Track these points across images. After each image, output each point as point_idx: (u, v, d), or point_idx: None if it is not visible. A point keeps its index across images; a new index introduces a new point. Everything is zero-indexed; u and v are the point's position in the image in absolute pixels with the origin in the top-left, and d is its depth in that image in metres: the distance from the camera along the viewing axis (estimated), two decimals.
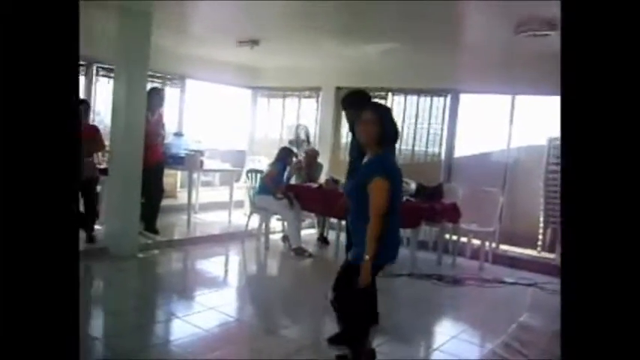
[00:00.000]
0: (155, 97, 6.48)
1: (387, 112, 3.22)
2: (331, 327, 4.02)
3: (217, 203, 8.65)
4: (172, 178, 8.46)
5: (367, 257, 2.90)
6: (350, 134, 4.78)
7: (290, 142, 8.66)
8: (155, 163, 6.41)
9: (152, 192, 6.46)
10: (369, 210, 2.91)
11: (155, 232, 6.53)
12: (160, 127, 6.58)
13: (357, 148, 3.89)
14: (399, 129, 3.30)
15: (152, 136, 6.28)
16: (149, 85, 6.39)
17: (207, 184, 9.63)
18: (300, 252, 6.57)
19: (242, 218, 7.70)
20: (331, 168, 8.38)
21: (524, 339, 4.20)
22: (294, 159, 7.25)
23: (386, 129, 3.04)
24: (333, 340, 3.67)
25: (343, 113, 4.35)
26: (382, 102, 8.08)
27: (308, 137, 8.81)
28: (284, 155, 7.01)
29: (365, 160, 3.15)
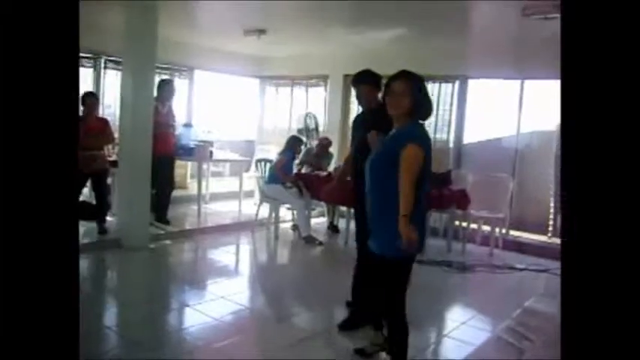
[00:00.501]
0: (165, 89, 6.54)
1: (419, 82, 2.86)
2: (341, 314, 4.07)
3: (227, 193, 8.71)
4: (182, 169, 8.51)
5: (403, 215, 2.60)
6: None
7: (299, 130, 8.67)
8: (166, 154, 6.48)
9: (163, 183, 6.53)
10: (400, 177, 2.65)
11: (166, 222, 6.59)
12: (170, 119, 6.64)
13: (361, 126, 3.82)
14: (431, 101, 2.94)
15: (163, 127, 6.35)
16: (157, 77, 6.42)
17: (217, 174, 9.67)
18: (310, 240, 6.60)
19: (252, 208, 7.74)
20: (340, 157, 8.37)
21: (531, 324, 4.20)
22: (302, 147, 7.27)
23: (419, 100, 2.77)
24: (343, 326, 3.69)
25: (353, 92, 4.21)
26: None
27: (317, 125, 8.82)
28: (292, 144, 7.03)
29: (393, 131, 2.86)
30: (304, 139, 7.89)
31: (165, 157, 6.42)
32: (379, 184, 2.80)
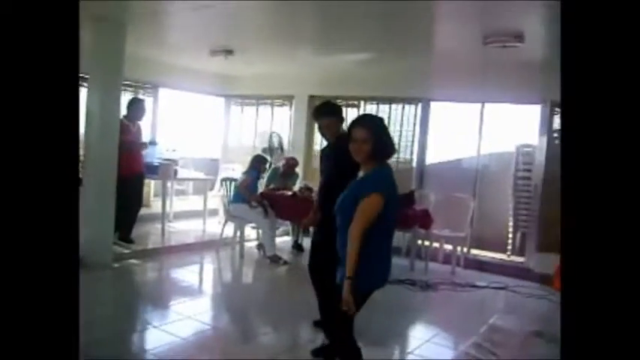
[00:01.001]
0: (136, 107, 6.52)
1: (378, 126, 2.93)
2: (307, 332, 4.11)
3: (191, 212, 8.66)
4: (146, 187, 8.40)
5: (347, 277, 2.66)
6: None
7: (264, 149, 8.69)
8: (137, 172, 6.47)
9: (133, 201, 6.49)
10: (353, 222, 2.70)
11: (130, 241, 6.52)
12: (140, 137, 6.62)
13: (328, 160, 3.99)
14: (393, 141, 2.99)
15: (134, 145, 6.32)
16: (123, 95, 6.39)
17: (180, 192, 9.60)
18: (275, 259, 6.62)
19: (216, 227, 7.71)
20: (305, 176, 8.44)
21: (496, 340, 4.33)
22: (266, 166, 7.31)
23: (380, 144, 2.84)
24: (317, 353, 3.70)
25: (316, 124, 4.35)
26: (355, 110, 8.22)
27: (281, 145, 8.86)
28: (257, 163, 7.06)
29: (360, 174, 2.93)
30: (269, 158, 7.94)
31: (135, 175, 6.42)
32: (344, 222, 2.83)
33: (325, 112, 4.02)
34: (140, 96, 8.37)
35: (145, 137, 7.61)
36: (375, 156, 2.83)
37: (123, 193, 5.93)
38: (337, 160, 3.44)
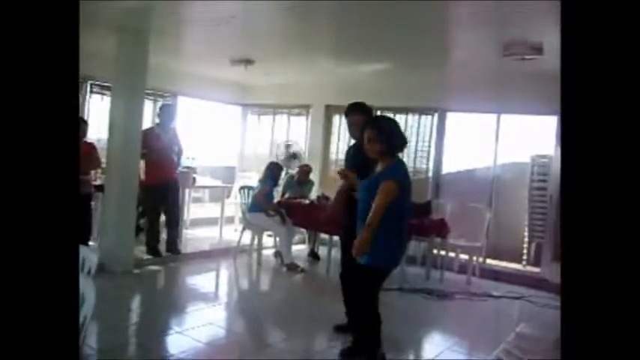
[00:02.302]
0: (167, 112, 6.65)
1: (382, 126, 3.45)
2: (324, 339, 4.18)
3: (207, 219, 8.75)
4: None
5: (368, 225, 3.22)
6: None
7: (282, 158, 8.77)
8: (171, 179, 6.59)
9: (171, 210, 6.62)
10: (374, 202, 3.20)
11: (178, 252, 6.72)
12: (174, 143, 6.70)
13: (352, 158, 4.13)
14: (403, 136, 3.56)
15: (167, 151, 6.44)
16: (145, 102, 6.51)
17: (196, 200, 9.70)
18: (292, 267, 6.68)
19: (232, 234, 7.80)
20: (321, 185, 8.51)
21: (524, 347, 4.40)
22: (282, 173, 7.34)
23: (388, 141, 3.34)
24: (345, 354, 3.81)
25: (335, 122, 4.58)
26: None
27: (297, 154, 8.92)
28: (272, 171, 7.09)
29: (378, 169, 3.40)
30: (283, 166, 8.01)
31: (169, 182, 6.53)
32: (364, 208, 3.32)
33: (355, 109, 4.25)
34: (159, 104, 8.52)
35: None
36: (387, 152, 3.34)
37: (151, 202, 6.09)
38: (361, 157, 3.62)
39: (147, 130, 6.62)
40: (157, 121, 6.45)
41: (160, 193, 6.41)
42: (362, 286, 3.50)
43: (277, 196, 7.76)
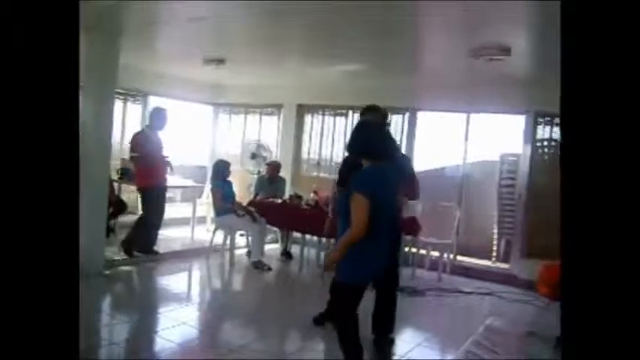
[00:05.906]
0: (160, 117, 6.59)
1: (354, 132, 3.35)
2: (297, 338, 4.20)
3: (178, 219, 8.68)
4: (134, 194, 8.44)
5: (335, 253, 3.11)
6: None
7: (252, 156, 8.73)
8: (162, 184, 6.61)
9: (160, 213, 6.64)
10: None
11: (155, 252, 6.69)
12: (162, 148, 6.65)
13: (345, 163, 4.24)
14: (366, 140, 3.24)
15: (158, 155, 6.43)
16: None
17: (168, 199, 9.58)
18: (259, 265, 6.67)
19: (204, 234, 7.76)
20: (293, 184, 8.53)
21: (493, 339, 4.50)
22: (229, 170, 7.12)
23: (355, 147, 3.29)
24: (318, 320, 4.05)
25: (306, 121, 4.64)
26: (343, 119, 8.36)
27: (256, 154, 8.77)
28: (217, 168, 7.01)
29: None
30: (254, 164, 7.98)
31: (161, 187, 6.57)
32: (345, 221, 3.11)
33: (368, 111, 4.41)
34: (129, 104, 8.43)
35: None
36: (361, 156, 3.19)
37: (145, 205, 6.08)
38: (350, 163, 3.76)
39: (137, 133, 6.57)
40: (147, 123, 6.41)
41: (159, 196, 6.48)
42: (338, 302, 3.44)
43: (250, 196, 7.77)
